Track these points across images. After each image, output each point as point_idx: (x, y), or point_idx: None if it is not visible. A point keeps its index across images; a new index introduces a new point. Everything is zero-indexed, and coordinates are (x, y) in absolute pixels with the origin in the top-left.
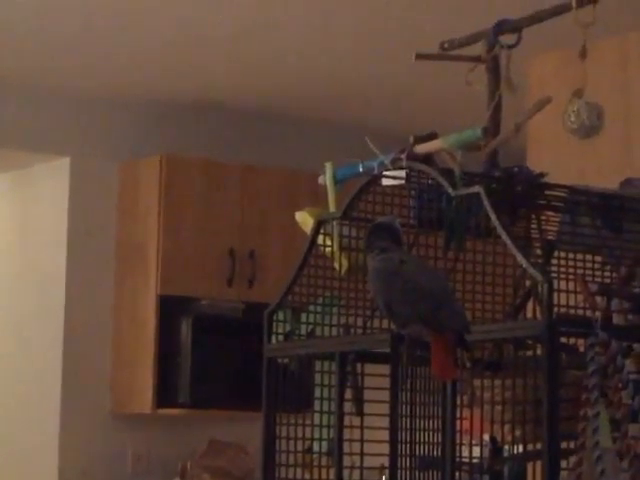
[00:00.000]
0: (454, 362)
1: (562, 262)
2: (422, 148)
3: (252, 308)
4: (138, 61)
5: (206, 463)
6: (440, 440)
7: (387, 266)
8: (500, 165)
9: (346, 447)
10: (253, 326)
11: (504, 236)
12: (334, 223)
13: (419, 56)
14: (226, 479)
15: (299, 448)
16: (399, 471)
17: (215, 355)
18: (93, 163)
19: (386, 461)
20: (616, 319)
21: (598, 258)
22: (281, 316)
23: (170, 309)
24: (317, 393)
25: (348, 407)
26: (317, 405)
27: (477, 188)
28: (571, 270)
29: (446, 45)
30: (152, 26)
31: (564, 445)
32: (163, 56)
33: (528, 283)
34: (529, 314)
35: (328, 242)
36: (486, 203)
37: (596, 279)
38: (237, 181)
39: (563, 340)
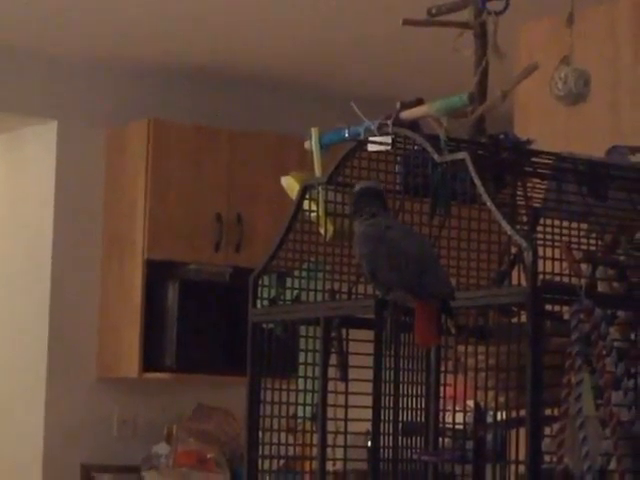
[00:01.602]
0: (437, 329)
1: (547, 229)
2: (408, 114)
3: (239, 273)
4: (126, 26)
5: (192, 427)
6: (424, 406)
7: (372, 231)
8: (487, 131)
9: (330, 412)
10: (240, 291)
11: (489, 203)
12: (320, 188)
13: (406, 22)
14: (212, 443)
15: (284, 413)
16: (382, 436)
17: (202, 319)
18: (81, 127)
19: (370, 426)
20: (601, 287)
21: (584, 225)
22: (266, 281)
23: (157, 273)
24: (302, 358)
25: (333, 372)
26: (302, 370)
27: (463, 154)
28: (556, 237)
29: (434, 11)
30: None
31: (548, 412)
32: (151, 20)
33: (513, 250)
34: (514, 281)
35: (314, 207)
36: (471, 169)
37: (581, 246)
38: (225, 146)
39: (548, 307)
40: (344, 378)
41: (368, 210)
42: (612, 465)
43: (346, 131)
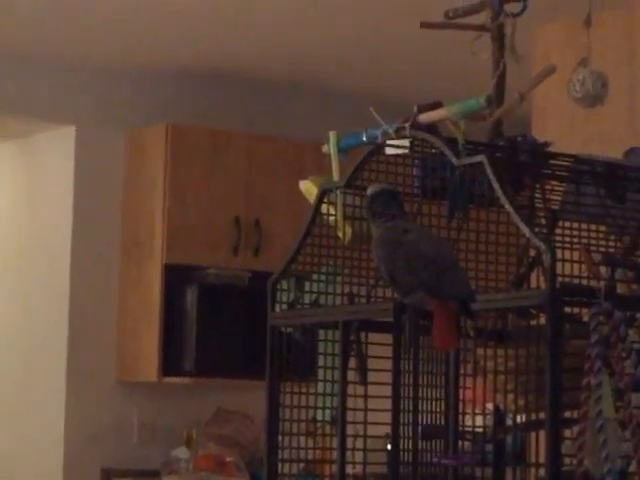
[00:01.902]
0: (456, 331)
1: (566, 232)
2: (426, 117)
3: (258, 277)
4: (144, 30)
5: (212, 431)
6: (444, 409)
7: (390, 235)
8: (505, 134)
9: (350, 416)
10: (259, 295)
11: (507, 206)
12: (338, 192)
13: (424, 24)
14: (232, 447)
15: (303, 417)
16: (402, 440)
17: (221, 324)
18: (99, 132)
19: (390, 430)
20: (620, 289)
21: (602, 228)
22: (285, 285)
23: (176, 278)
24: (321, 362)
25: (352, 376)
26: (321, 374)
27: (480, 157)
28: (575, 240)
29: (451, 14)
30: None
31: (567, 414)
32: (168, 24)
33: (532, 253)
34: (533, 284)
35: (332, 211)
36: (489, 172)
37: (600, 249)
38: (242, 150)
39: (567, 310)
40: (363, 381)
41: (386, 213)
42: (632, 467)
43: (364, 135)
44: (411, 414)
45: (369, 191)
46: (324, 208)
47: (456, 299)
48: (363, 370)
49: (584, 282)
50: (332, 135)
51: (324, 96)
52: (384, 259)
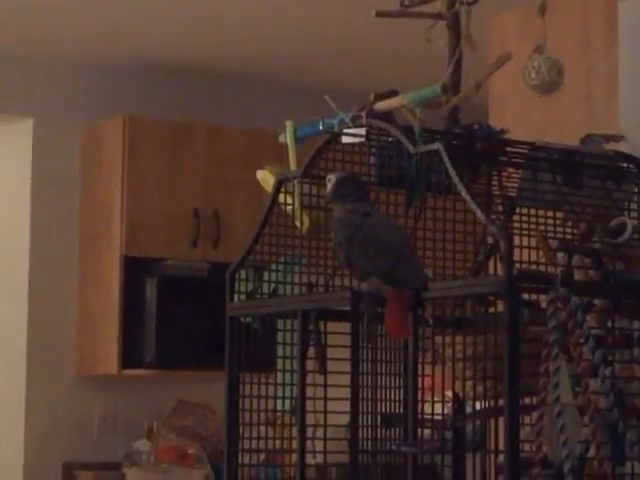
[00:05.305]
0: (409, 319)
1: (523, 218)
2: (382, 105)
3: (217, 268)
4: (100, 23)
5: (173, 423)
6: (403, 397)
7: (350, 217)
8: (461, 122)
9: (310, 405)
10: (218, 286)
11: (464, 193)
12: (295, 181)
13: (379, 13)
14: (193, 439)
15: (263, 406)
16: (362, 428)
17: (181, 315)
18: (56, 124)
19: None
20: (577, 275)
21: (559, 214)
22: (243, 275)
23: (135, 270)
24: (280, 352)
25: (311, 365)
26: (280, 364)
27: (437, 145)
28: (532, 226)
29: (406, 2)
30: None
31: (526, 401)
32: (125, 17)
33: (490, 240)
34: (491, 271)
35: (289, 200)
36: (446, 160)
37: (557, 235)
38: (200, 141)
39: (524, 296)
40: (322, 371)
41: (350, 194)
42: (591, 452)
43: (320, 124)
44: (370, 403)
45: (336, 175)
46: (281, 198)
47: (410, 287)
48: (322, 359)
49: (541, 269)
50: (288, 125)
51: (280, 86)
52: (342, 242)
